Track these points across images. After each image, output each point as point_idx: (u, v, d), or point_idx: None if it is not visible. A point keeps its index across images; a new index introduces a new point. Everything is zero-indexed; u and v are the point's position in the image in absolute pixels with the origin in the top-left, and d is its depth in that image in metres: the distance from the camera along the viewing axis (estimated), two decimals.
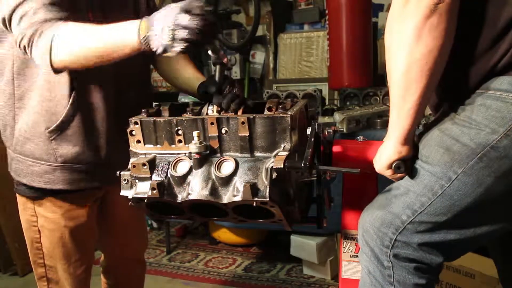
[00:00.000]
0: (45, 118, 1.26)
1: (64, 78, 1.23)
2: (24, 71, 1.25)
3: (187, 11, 1.01)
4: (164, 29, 1.00)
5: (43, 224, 1.36)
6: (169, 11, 1.02)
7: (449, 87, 1.07)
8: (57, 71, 1.15)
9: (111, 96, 1.32)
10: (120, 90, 1.34)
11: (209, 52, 1.14)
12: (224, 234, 3.01)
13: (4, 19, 1.16)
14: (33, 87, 1.26)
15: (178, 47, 1.01)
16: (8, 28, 1.18)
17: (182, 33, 1.00)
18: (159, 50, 1.03)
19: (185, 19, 1.00)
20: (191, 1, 1.02)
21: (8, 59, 1.26)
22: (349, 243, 1.32)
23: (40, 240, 1.38)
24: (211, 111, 1.15)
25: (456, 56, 0.98)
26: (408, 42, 0.94)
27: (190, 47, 1.02)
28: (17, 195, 1.40)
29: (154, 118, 1.11)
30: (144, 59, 1.41)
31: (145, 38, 1.03)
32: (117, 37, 1.08)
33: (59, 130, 1.26)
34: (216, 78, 1.20)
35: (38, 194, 1.34)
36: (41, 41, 1.12)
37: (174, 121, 1.09)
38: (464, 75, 1.02)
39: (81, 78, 1.25)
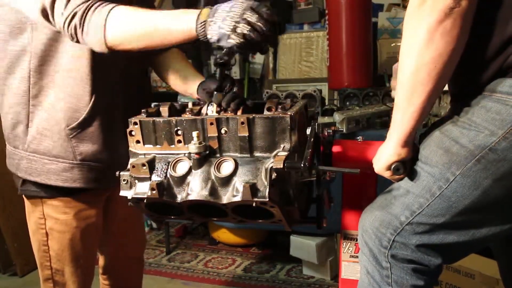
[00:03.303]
0: (67, 115, 1.25)
1: (86, 74, 1.23)
2: (41, 69, 1.24)
3: (255, 11, 1.00)
4: (226, 18, 0.99)
5: (52, 227, 1.35)
6: (237, 4, 1.00)
7: (455, 89, 1.07)
8: (109, 49, 1.13)
9: (122, 96, 1.33)
10: (127, 91, 1.34)
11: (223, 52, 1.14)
12: (223, 235, 3.01)
13: (44, 6, 1.13)
14: (51, 84, 1.25)
15: (235, 40, 0.99)
16: (49, 14, 1.13)
17: (245, 28, 0.98)
18: (214, 38, 1.01)
19: (252, 17, 0.99)
20: (261, 5, 1.01)
21: (25, 55, 1.24)
22: (349, 243, 1.32)
23: (47, 243, 1.36)
24: (211, 111, 1.14)
25: (464, 58, 0.97)
26: (419, 45, 0.92)
27: (246, 45, 1.00)
28: (24, 197, 1.38)
29: (154, 119, 1.11)
30: (144, 60, 1.41)
31: (203, 23, 1.02)
32: (173, 21, 1.07)
33: (81, 128, 1.26)
34: (217, 78, 1.20)
35: (49, 194, 1.32)
36: (95, 17, 1.10)
37: (174, 121, 1.09)
38: (470, 77, 1.01)
39: (100, 77, 1.25)
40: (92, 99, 1.25)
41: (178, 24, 1.06)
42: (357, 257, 1.21)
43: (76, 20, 1.11)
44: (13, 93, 1.28)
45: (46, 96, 1.26)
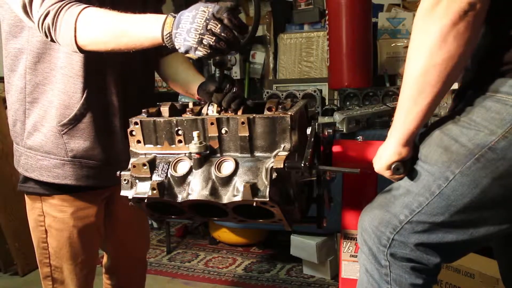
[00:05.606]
0: (59, 112, 1.26)
1: (77, 71, 1.24)
2: (36, 66, 1.26)
3: (218, 18, 0.98)
4: (191, 30, 0.98)
5: (51, 224, 1.36)
6: (199, 14, 0.98)
7: (459, 87, 1.07)
8: (80, 49, 1.13)
9: (120, 95, 1.33)
10: (126, 91, 1.34)
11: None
12: (224, 234, 3.01)
13: (24, 2, 1.14)
14: (45, 81, 1.26)
15: (202, 52, 0.99)
16: (29, 11, 1.15)
17: (210, 40, 0.98)
18: (181, 50, 1.01)
19: (216, 27, 0.97)
20: (223, 10, 0.98)
21: (23, 53, 1.27)
22: (349, 242, 1.33)
23: (46, 240, 1.38)
24: (211, 111, 1.15)
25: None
26: (430, 45, 0.92)
27: (213, 54, 1.01)
28: (25, 195, 1.39)
29: (154, 118, 1.11)
30: (147, 60, 1.42)
31: (168, 34, 1.02)
32: (140, 28, 1.07)
33: (71, 124, 1.27)
34: (216, 78, 1.20)
35: (46, 191, 1.34)
36: (66, 17, 1.11)
37: (174, 121, 1.10)
38: (473, 76, 1.02)
39: (93, 74, 1.26)
40: (84, 96, 1.25)
41: (145, 32, 1.06)
42: (357, 256, 1.21)
43: (49, 19, 1.12)
44: (13, 90, 1.31)
45: (41, 93, 1.27)
